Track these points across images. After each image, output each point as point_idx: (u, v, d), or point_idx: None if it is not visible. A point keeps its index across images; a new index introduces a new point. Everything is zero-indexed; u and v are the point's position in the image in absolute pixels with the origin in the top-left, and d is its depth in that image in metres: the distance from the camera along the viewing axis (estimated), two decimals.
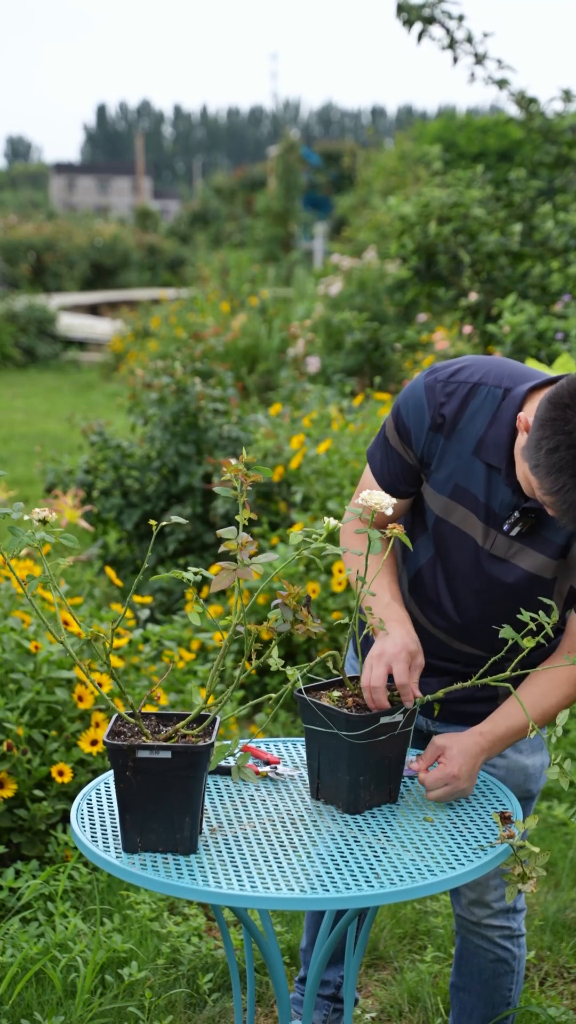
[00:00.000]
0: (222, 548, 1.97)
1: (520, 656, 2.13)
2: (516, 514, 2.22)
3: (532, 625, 2.09)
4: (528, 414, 2.14)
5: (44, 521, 1.94)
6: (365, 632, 2.32)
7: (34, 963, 2.93)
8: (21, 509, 1.93)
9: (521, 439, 2.15)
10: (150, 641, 4.08)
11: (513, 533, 2.23)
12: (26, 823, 3.33)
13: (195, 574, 2.02)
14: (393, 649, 2.19)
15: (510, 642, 2.12)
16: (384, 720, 2.13)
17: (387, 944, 3.31)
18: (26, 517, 1.93)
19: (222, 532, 1.96)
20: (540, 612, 2.08)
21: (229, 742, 2.04)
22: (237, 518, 1.99)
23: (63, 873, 3.18)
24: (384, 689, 2.16)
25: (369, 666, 2.18)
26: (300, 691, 2.17)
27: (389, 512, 2.09)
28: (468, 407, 2.24)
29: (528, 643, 2.05)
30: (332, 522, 2.03)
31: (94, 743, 3.30)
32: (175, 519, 2.00)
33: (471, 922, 2.52)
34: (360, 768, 2.11)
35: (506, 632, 2.08)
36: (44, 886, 3.21)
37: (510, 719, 2.25)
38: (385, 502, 2.08)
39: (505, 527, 2.24)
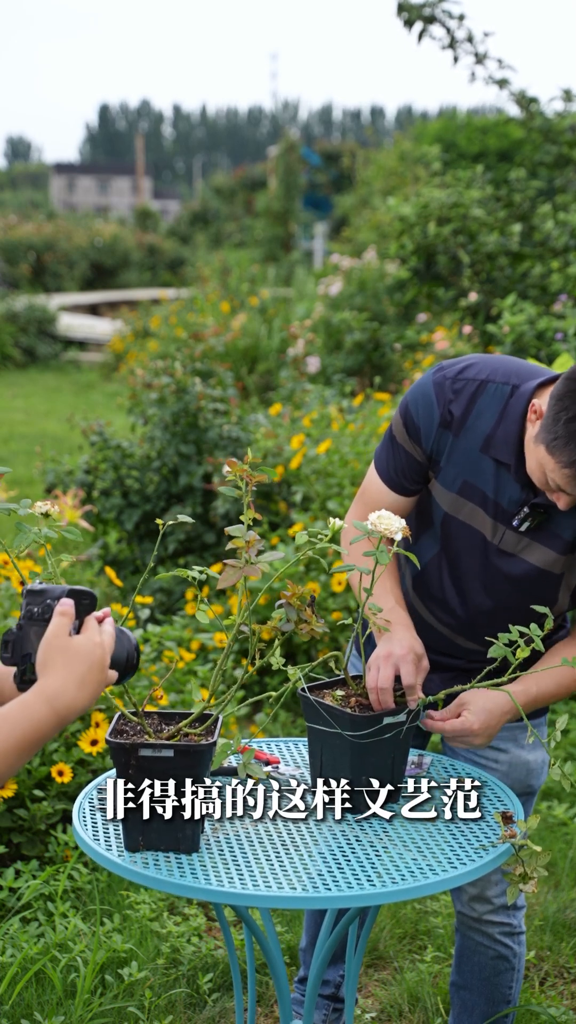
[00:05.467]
0: (229, 546, 1.96)
1: (518, 661, 2.12)
2: (525, 509, 2.22)
3: (520, 641, 2.07)
4: (540, 404, 2.15)
5: (47, 515, 1.94)
6: (368, 632, 2.31)
7: (34, 963, 2.93)
8: (28, 505, 1.93)
9: (532, 429, 2.16)
10: (150, 641, 4.07)
11: (522, 528, 2.24)
12: (26, 823, 3.33)
13: (200, 572, 2.02)
14: (400, 651, 2.19)
15: (504, 653, 2.11)
16: (388, 720, 2.13)
17: (387, 944, 3.31)
18: (24, 512, 1.93)
19: (230, 530, 1.96)
20: (532, 625, 2.07)
21: (231, 742, 2.04)
22: (242, 518, 1.99)
23: (63, 873, 3.18)
24: (391, 690, 2.16)
25: (376, 667, 2.18)
26: (303, 690, 2.17)
27: (398, 538, 2.07)
28: (476, 404, 2.25)
29: (522, 653, 2.05)
30: (336, 523, 2.03)
31: (94, 743, 3.30)
32: (182, 518, 2.00)
33: (472, 919, 2.52)
34: (363, 768, 2.11)
35: (495, 651, 2.07)
36: (44, 886, 3.21)
37: (540, 683, 2.25)
38: (395, 526, 2.06)
39: (514, 522, 2.24)
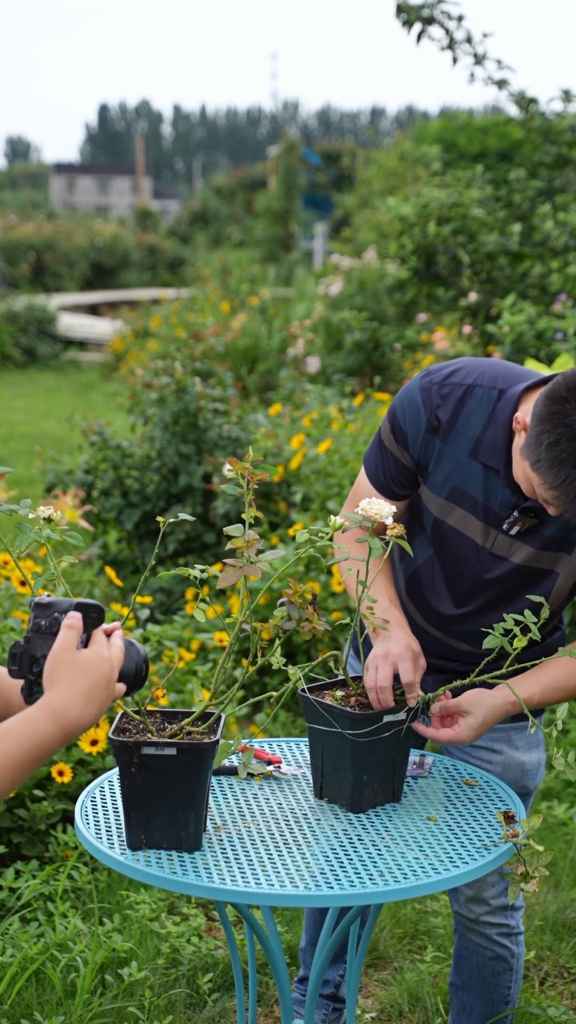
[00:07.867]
0: (228, 546, 1.96)
1: (514, 654, 2.12)
2: (516, 513, 2.22)
3: (516, 629, 2.08)
4: (524, 414, 2.15)
5: (49, 519, 1.94)
6: (365, 633, 2.31)
7: (34, 963, 2.93)
8: (28, 506, 1.93)
9: (519, 439, 2.16)
10: (150, 641, 4.07)
11: (513, 532, 2.24)
12: (26, 823, 3.33)
13: (202, 571, 2.02)
14: (398, 649, 2.20)
15: (500, 643, 2.12)
16: (388, 719, 2.13)
17: (387, 944, 3.31)
18: (31, 515, 1.94)
19: (229, 529, 1.96)
20: (527, 612, 2.08)
21: (232, 742, 2.04)
22: (243, 516, 1.99)
23: (63, 873, 3.18)
24: (391, 689, 2.16)
25: (374, 666, 2.18)
26: (303, 690, 2.17)
27: (389, 521, 2.08)
28: (464, 409, 2.25)
29: (519, 643, 2.05)
30: (337, 520, 2.03)
31: (94, 743, 3.30)
32: (182, 516, 2.00)
33: (469, 919, 2.52)
34: (364, 767, 2.11)
35: (490, 641, 2.07)
36: (44, 886, 3.21)
37: (542, 684, 2.24)
38: (385, 511, 2.07)
39: (505, 526, 2.25)
